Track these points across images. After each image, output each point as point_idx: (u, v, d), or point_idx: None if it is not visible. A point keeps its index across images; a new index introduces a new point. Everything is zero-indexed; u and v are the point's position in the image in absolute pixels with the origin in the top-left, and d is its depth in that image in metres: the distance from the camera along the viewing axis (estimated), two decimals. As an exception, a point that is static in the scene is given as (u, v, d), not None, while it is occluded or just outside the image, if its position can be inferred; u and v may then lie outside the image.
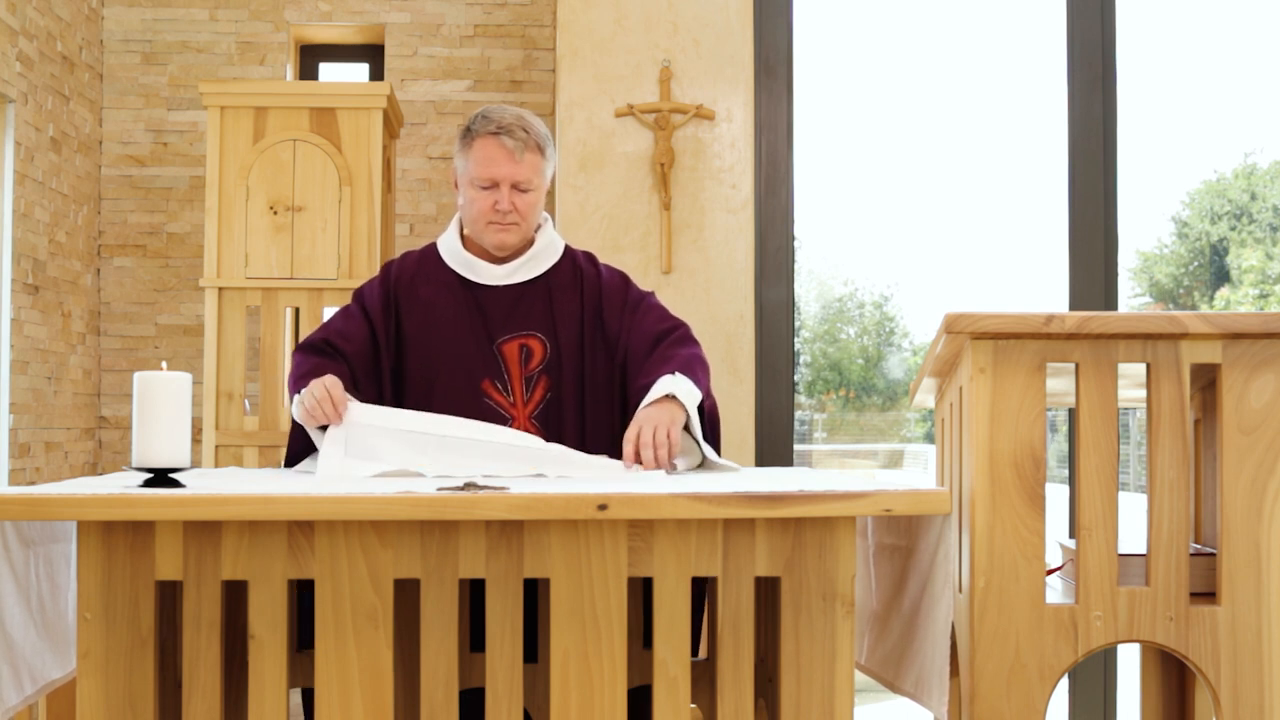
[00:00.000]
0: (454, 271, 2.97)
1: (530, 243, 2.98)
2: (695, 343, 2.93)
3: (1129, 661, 4.16)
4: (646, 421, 2.65)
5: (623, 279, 3.01)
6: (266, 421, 4.64)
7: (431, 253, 3.02)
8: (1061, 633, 2.32)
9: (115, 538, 2.09)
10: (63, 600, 2.35)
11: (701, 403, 2.78)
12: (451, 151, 5.91)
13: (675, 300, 4.75)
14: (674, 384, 2.72)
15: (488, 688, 2.14)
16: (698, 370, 2.82)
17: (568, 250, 3.04)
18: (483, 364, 2.88)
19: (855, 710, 2.18)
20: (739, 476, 2.55)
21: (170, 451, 2.18)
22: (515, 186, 2.86)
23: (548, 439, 2.78)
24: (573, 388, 2.89)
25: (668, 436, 2.63)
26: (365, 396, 2.86)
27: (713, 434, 2.85)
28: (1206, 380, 2.52)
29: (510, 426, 2.82)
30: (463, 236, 3.01)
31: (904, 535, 2.46)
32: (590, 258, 3.04)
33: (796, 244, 4.95)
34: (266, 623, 2.11)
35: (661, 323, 2.94)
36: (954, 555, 2.25)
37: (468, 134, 2.90)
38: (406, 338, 2.93)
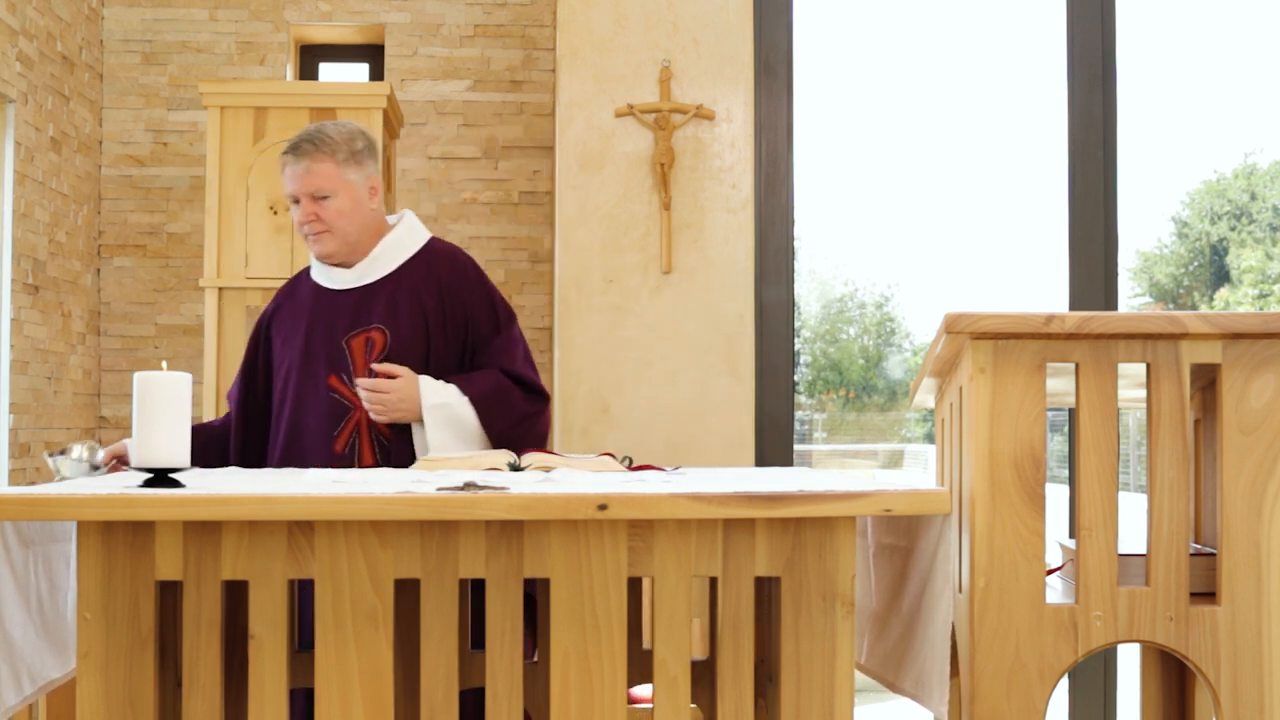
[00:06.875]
0: (315, 283, 3.11)
1: (374, 243, 3.07)
2: (529, 393, 3.01)
3: (1129, 661, 4.16)
4: (396, 389, 2.90)
5: (488, 302, 3.06)
6: (266, 421, 4.63)
7: (304, 272, 3.18)
8: (1061, 633, 2.32)
9: (115, 538, 2.09)
10: (62, 600, 2.35)
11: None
12: (450, 152, 5.93)
13: (675, 300, 4.75)
14: (443, 393, 2.92)
15: (488, 688, 2.14)
16: (492, 398, 2.95)
17: (428, 247, 3.10)
18: (329, 360, 3.01)
19: (855, 710, 2.18)
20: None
21: (170, 451, 2.18)
22: (312, 197, 2.99)
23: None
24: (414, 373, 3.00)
25: (383, 403, 2.89)
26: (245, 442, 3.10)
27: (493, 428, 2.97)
28: (1206, 380, 2.52)
29: (353, 415, 2.97)
30: None
31: (904, 535, 2.46)
32: (456, 265, 3.08)
33: (796, 244, 4.95)
34: (266, 623, 2.11)
35: (498, 351, 3.03)
36: (954, 555, 2.25)
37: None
38: (274, 353, 3.12)
